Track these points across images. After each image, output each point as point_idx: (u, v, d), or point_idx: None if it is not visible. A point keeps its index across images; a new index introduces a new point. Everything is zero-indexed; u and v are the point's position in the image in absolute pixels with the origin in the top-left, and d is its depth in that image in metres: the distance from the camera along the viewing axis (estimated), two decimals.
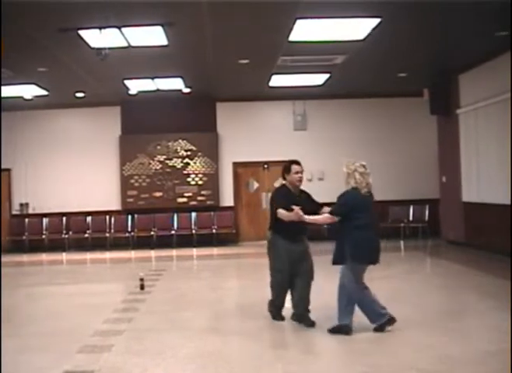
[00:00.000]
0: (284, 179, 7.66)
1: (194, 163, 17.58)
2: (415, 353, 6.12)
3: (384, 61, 13.47)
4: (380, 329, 6.96)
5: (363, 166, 7.08)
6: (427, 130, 17.00)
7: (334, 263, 6.99)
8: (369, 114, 17.81)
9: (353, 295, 6.95)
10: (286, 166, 7.62)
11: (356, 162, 7.09)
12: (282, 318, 7.71)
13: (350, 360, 6.01)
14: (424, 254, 14.64)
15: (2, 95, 14.27)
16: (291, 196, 7.47)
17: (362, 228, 6.86)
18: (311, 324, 7.37)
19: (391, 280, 10.60)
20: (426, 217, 16.87)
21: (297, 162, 7.64)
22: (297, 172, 7.53)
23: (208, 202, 17.61)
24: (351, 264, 6.88)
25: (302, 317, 7.50)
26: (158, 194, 17.54)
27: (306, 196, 7.69)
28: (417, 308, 8.13)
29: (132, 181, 17.47)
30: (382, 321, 6.95)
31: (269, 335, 7.16)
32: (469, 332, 7.17)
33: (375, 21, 10.14)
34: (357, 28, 10.58)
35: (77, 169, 17.45)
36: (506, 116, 12.47)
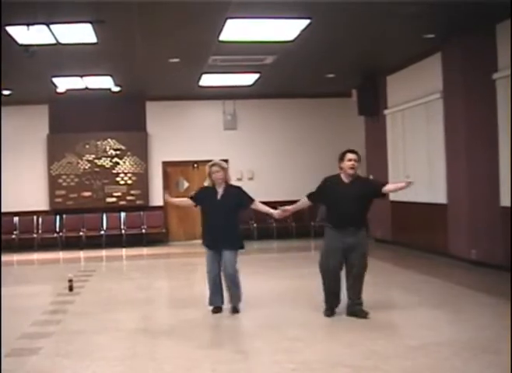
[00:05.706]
0: (340, 168, 7.75)
1: (124, 162, 17.44)
2: (343, 350, 6.23)
3: (314, 62, 13.63)
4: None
5: None
6: (355, 130, 17.19)
7: None
8: (299, 114, 18.00)
9: None
10: (340, 154, 7.79)
11: None
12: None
13: (279, 358, 6.05)
14: None
15: None
16: (337, 186, 7.68)
17: None
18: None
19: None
20: None
21: (353, 151, 7.75)
22: (350, 160, 7.63)
23: (138, 202, 17.50)
24: None
25: None
26: (87, 194, 17.32)
27: (363, 181, 7.95)
28: (345, 305, 8.26)
29: (60, 181, 17.20)
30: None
31: (199, 335, 7.16)
32: (394, 328, 7.32)
33: (305, 22, 10.25)
34: (287, 29, 10.67)
35: (4, 169, 16.97)
36: (433, 117, 12.75)
